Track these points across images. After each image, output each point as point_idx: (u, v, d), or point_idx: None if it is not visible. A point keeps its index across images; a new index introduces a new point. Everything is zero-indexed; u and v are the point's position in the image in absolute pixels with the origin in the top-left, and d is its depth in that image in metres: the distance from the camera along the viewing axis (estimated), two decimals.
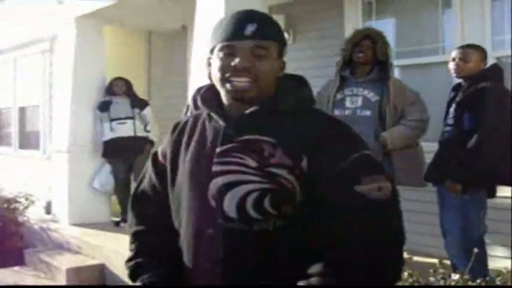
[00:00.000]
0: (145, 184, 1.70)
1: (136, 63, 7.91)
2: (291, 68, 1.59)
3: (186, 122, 1.63)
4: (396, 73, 4.76)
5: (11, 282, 5.29)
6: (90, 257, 5.47)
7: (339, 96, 3.99)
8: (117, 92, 6.41)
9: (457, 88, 3.78)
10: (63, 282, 5.10)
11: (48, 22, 7.48)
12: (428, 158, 3.91)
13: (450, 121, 3.64)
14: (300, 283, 1.31)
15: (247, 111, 1.45)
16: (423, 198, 4.46)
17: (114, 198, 6.67)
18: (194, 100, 4.08)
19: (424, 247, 4.41)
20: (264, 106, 1.45)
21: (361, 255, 1.29)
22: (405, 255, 2.85)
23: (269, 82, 1.45)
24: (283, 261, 1.38)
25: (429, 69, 5.21)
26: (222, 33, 1.45)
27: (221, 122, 1.48)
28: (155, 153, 1.69)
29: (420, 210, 4.62)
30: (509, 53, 4.39)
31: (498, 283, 2.77)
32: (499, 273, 2.86)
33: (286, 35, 5.80)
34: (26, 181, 7.38)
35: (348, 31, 5.40)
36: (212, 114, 1.51)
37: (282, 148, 1.40)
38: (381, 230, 1.33)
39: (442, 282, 2.62)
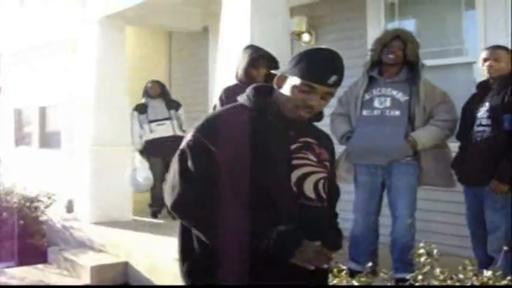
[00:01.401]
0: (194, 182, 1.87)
1: (156, 63, 7.98)
2: None
3: (239, 119, 1.86)
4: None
5: (35, 281, 5.34)
6: (113, 255, 5.52)
7: (367, 96, 3.98)
8: (152, 95, 6.71)
9: (482, 88, 3.74)
10: (88, 281, 5.15)
11: (69, 23, 7.55)
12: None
13: (484, 121, 3.59)
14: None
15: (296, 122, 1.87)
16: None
17: (135, 196, 6.75)
18: (221, 99, 4.12)
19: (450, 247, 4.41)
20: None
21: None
22: (435, 253, 2.91)
23: None
24: (328, 227, 1.94)
25: (451, 71, 5.21)
26: (310, 71, 1.78)
27: (286, 127, 1.85)
28: (200, 143, 1.90)
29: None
30: None
31: None
32: None
33: (307, 35, 5.94)
34: (46, 180, 7.45)
35: (370, 32, 5.43)
36: (272, 119, 1.86)
37: (323, 147, 1.94)
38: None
39: (474, 279, 2.64)
